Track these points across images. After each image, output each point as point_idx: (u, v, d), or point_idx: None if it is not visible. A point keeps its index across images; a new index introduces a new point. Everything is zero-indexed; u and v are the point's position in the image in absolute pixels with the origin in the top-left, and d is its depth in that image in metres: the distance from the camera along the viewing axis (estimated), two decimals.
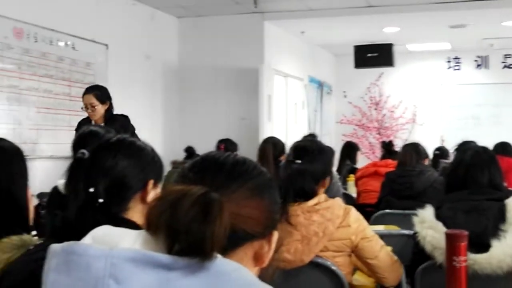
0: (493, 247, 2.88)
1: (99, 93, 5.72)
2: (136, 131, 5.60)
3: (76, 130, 5.50)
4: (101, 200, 1.85)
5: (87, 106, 5.59)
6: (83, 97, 5.68)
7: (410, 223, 3.20)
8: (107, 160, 1.95)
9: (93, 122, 5.54)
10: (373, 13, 8.72)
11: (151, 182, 2.02)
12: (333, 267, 2.96)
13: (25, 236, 1.99)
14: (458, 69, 12.17)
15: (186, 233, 1.11)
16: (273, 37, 9.35)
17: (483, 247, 2.88)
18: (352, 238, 3.02)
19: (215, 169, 1.31)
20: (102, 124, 5.38)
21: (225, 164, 1.33)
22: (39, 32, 6.59)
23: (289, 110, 10.52)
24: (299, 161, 3.09)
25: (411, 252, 3.22)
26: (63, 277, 1.13)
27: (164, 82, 8.96)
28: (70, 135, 3.42)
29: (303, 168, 3.06)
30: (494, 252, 2.87)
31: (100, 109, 5.62)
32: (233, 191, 1.27)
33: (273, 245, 1.34)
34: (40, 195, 4.24)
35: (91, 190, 1.87)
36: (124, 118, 5.85)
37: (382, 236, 3.30)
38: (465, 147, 3.73)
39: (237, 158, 1.37)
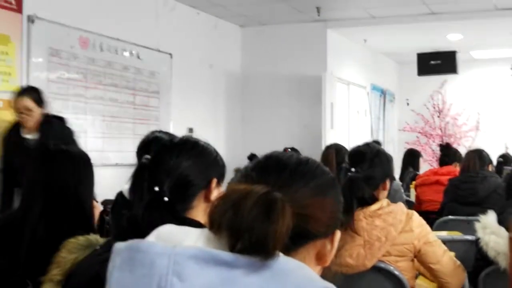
0: None
1: (37, 95, 4.99)
2: (74, 135, 5.19)
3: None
4: (166, 199, 1.87)
5: (20, 111, 4.87)
6: (14, 100, 4.95)
7: (473, 229, 3.17)
8: (171, 160, 1.97)
9: (23, 129, 4.97)
10: (436, 21, 8.62)
11: (214, 181, 2.03)
12: (396, 272, 2.93)
13: (92, 237, 2.02)
14: None
15: (249, 232, 1.11)
16: (336, 45, 9.34)
17: None
18: (415, 242, 2.99)
19: (278, 169, 1.31)
20: (34, 133, 4.92)
21: (288, 164, 1.33)
22: (105, 42, 6.69)
23: (352, 117, 10.48)
24: (353, 169, 3.07)
25: (474, 258, 3.18)
26: (127, 275, 1.14)
27: (226, 91, 9.02)
28: (135, 143, 3.45)
29: (359, 176, 3.03)
30: None
31: (37, 113, 4.94)
32: (296, 191, 1.26)
33: (336, 244, 1.34)
34: (105, 202, 4.29)
35: (156, 189, 1.88)
36: (59, 121, 5.18)
37: (445, 242, 3.27)
38: None
39: (301, 158, 1.37)
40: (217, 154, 2.13)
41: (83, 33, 6.37)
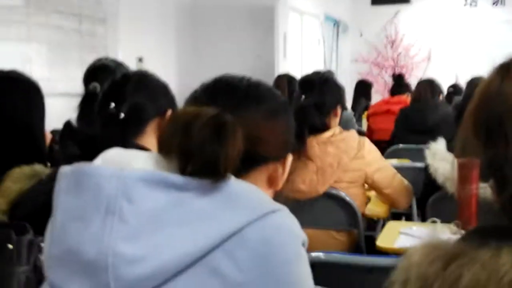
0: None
1: None
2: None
3: None
4: (122, 115, 1.86)
5: None
6: None
7: (423, 157, 3.22)
8: (125, 88, 1.95)
9: None
10: None
11: (169, 112, 2.02)
12: (347, 198, 2.98)
13: (37, 167, 1.99)
14: (475, 6, 11.97)
15: (199, 154, 1.10)
16: None
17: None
18: (366, 169, 3.04)
19: (229, 91, 1.31)
20: None
21: (239, 87, 1.33)
22: None
23: (305, 48, 10.45)
24: (304, 97, 3.09)
25: (423, 184, 3.24)
26: (74, 199, 1.13)
27: (177, 20, 8.86)
28: (82, 72, 3.37)
29: (310, 103, 3.05)
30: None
31: None
32: (247, 113, 1.26)
33: (287, 168, 1.34)
34: (53, 132, 4.25)
35: (113, 105, 1.87)
36: None
37: (398, 169, 3.33)
38: (475, 83, 3.70)
39: (251, 81, 1.36)
40: (168, 88, 2.12)
41: None
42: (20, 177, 1.91)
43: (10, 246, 1.59)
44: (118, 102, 1.90)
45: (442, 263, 0.86)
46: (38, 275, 1.60)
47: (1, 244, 1.58)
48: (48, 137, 3.10)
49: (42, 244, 1.61)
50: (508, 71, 0.94)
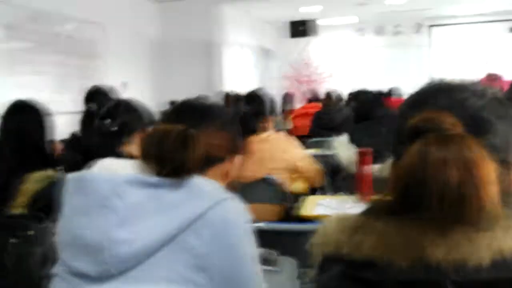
0: (387, 160, 2.92)
1: None
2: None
3: None
4: (115, 128, 1.84)
5: None
6: None
7: (332, 147, 3.24)
8: (118, 110, 1.92)
9: None
10: None
11: (148, 128, 2.01)
12: (278, 180, 2.99)
13: (49, 172, 1.97)
14: (363, 35, 12.16)
15: (170, 160, 1.11)
16: (229, 17, 9.18)
17: (381, 159, 2.93)
18: (292, 160, 3.06)
19: (191, 112, 1.31)
20: None
21: (198, 108, 1.33)
22: (52, 17, 6.31)
23: (244, 71, 10.38)
24: (244, 106, 3.11)
25: (332, 167, 3.27)
26: (78, 198, 1.12)
27: (151, 54, 8.78)
28: (81, 95, 3.34)
29: (251, 112, 3.06)
30: (387, 163, 2.91)
31: None
32: (205, 127, 1.26)
33: (236, 165, 1.34)
34: (62, 141, 4.18)
35: (108, 120, 1.85)
36: None
37: (314, 156, 3.34)
38: (367, 92, 3.75)
39: (207, 103, 1.37)
40: (147, 109, 2.10)
41: (32, 11, 5.96)
42: (36, 180, 1.89)
43: (31, 232, 1.57)
44: (112, 119, 1.88)
45: (350, 232, 0.86)
46: (53, 253, 1.57)
47: (23, 231, 1.57)
48: (59, 146, 3.04)
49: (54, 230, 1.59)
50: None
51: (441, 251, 0.77)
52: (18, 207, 1.84)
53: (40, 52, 6.14)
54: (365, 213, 0.90)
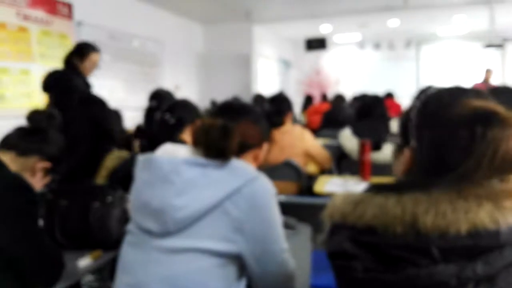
0: (383, 148, 2.88)
1: None
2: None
3: None
4: (173, 121, 1.84)
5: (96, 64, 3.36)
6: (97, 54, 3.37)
7: (337, 138, 3.21)
8: (175, 106, 1.93)
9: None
10: (315, 18, 8.48)
11: (197, 121, 1.99)
12: (296, 163, 2.98)
13: (123, 152, 1.98)
14: (364, 49, 11.94)
15: (215, 147, 1.11)
16: (258, 35, 9.13)
17: (378, 148, 2.88)
18: (306, 147, 3.03)
19: (229, 110, 1.30)
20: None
21: (235, 106, 1.32)
22: (125, 35, 6.41)
23: (270, 78, 10.32)
24: (269, 106, 3.08)
25: (339, 153, 3.23)
26: (146, 173, 1.14)
27: (197, 63, 8.80)
28: (146, 94, 3.28)
29: (273, 110, 3.03)
30: (383, 151, 2.87)
31: None
32: (240, 122, 1.26)
33: (264, 151, 1.34)
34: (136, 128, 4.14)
35: (168, 115, 1.85)
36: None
37: (324, 146, 3.32)
38: (366, 96, 3.69)
39: (241, 103, 1.36)
40: (196, 107, 2.10)
41: (110, 30, 6.06)
42: (114, 158, 1.91)
43: (110, 198, 1.59)
44: (171, 114, 1.89)
45: (353, 204, 0.84)
46: (126, 215, 1.60)
47: (104, 197, 1.58)
48: (128, 134, 3.05)
49: (128, 197, 1.61)
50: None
51: (430, 218, 0.74)
52: (100, 178, 1.86)
53: (115, 62, 6.24)
54: (366, 191, 0.88)
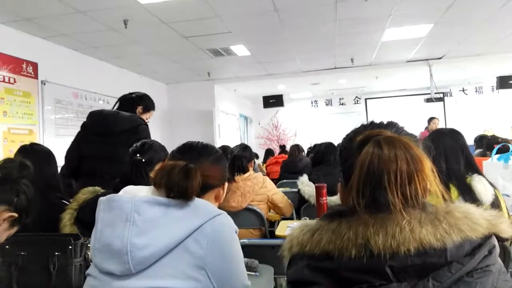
0: (338, 194, 2.92)
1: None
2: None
3: None
4: (143, 160, 1.80)
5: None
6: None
7: (296, 185, 3.23)
8: (144, 149, 1.88)
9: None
10: (271, 78, 8.77)
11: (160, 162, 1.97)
12: (258, 210, 2.96)
13: (96, 188, 1.89)
14: (317, 106, 12.35)
15: (177, 187, 1.10)
16: (219, 93, 9.30)
17: (333, 193, 2.92)
18: (268, 194, 3.03)
19: (191, 150, 1.29)
20: None
21: (196, 147, 1.31)
22: (88, 94, 6.34)
23: (230, 133, 10.42)
24: (239, 152, 3.09)
25: (298, 200, 3.25)
26: (107, 214, 1.11)
27: (161, 120, 8.81)
28: None
29: (240, 155, 3.05)
30: (338, 194, 2.91)
31: None
32: (202, 162, 1.25)
33: (225, 190, 1.33)
34: None
35: (138, 155, 1.81)
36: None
37: (284, 193, 3.33)
38: (318, 146, 3.77)
39: (203, 143, 1.36)
40: (164, 150, 2.07)
41: (74, 89, 6.00)
42: (87, 192, 1.82)
43: (70, 247, 1.51)
44: (141, 155, 1.84)
45: (310, 233, 0.85)
46: (86, 263, 1.52)
47: (64, 246, 1.51)
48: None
49: (89, 244, 1.53)
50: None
51: (381, 239, 0.75)
52: (69, 209, 1.77)
53: (79, 120, 6.12)
54: (321, 219, 0.89)
